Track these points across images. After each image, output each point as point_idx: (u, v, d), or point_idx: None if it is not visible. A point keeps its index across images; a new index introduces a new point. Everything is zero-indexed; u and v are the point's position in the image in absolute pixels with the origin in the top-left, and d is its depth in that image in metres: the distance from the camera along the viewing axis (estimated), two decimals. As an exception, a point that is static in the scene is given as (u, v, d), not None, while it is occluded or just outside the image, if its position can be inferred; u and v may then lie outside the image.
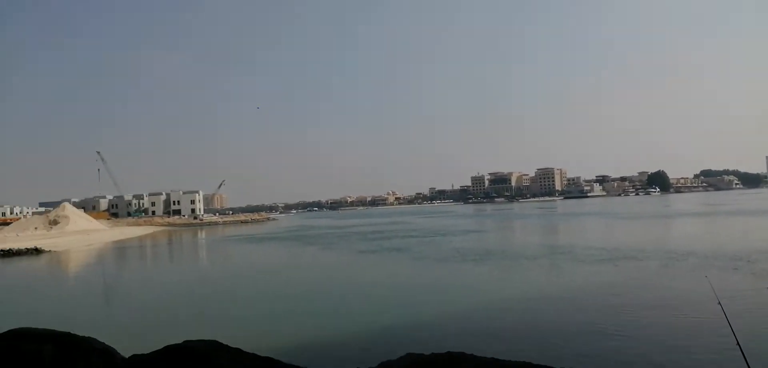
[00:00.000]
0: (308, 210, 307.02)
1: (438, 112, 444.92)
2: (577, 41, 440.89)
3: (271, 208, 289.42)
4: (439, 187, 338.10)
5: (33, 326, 6.40)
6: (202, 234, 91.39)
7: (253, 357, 5.76)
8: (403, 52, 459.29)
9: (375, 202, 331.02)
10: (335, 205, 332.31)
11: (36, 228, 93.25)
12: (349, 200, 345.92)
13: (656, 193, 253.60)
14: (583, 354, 12.09)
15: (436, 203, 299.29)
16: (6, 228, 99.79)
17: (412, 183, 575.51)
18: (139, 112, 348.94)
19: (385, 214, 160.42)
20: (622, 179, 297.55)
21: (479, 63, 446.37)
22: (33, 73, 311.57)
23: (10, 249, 52.14)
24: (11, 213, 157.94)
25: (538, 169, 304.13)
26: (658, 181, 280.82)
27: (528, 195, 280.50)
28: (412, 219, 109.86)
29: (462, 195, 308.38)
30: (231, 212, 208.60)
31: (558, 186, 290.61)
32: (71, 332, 6.23)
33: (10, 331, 6.02)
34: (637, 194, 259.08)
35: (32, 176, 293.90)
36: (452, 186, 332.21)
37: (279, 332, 15.06)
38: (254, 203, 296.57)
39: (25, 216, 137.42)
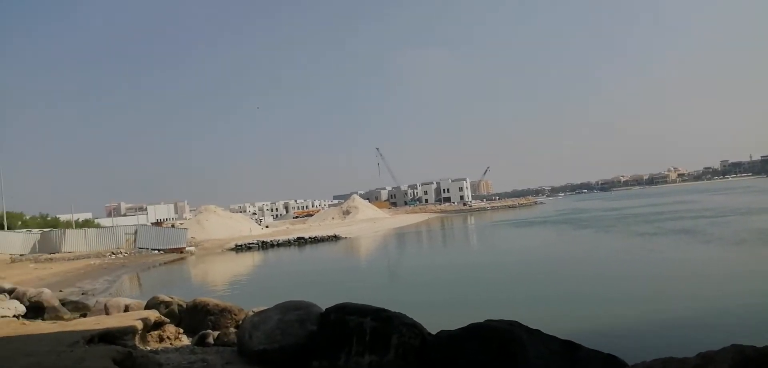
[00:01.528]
0: (577, 193, 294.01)
1: (723, 69, 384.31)
2: None
3: (536, 192, 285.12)
4: (732, 159, 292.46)
5: (349, 301, 7.34)
6: (471, 220, 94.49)
7: (553, 339, 5.71)
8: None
9: (653, 181, 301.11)
10: (607, 186, 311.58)
11: (333, 218, 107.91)
12: (623, 179, 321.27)
13: None
14: None
15: (730, 178, 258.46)
16: (310, 219, 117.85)
17: (698, 156, 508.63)
18: (406, 106, 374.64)
19: (665, 194, 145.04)
20: None
21: None
22: (317, 77, 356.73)
23: (315, 237, 61.16)
24: (312, 205, 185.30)
25: None
26: None
27: None
28: (699, 197, 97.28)
29: (764, 167, 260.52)
30: (497, 197, 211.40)
31: None
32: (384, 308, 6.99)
33: (338, 305, 7.00)
34: None
35: (326, 172, 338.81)
36: (750, 156, 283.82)
37: (575, 315, 14.70)
38: (519, 188, 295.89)
39: (322, 208, 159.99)
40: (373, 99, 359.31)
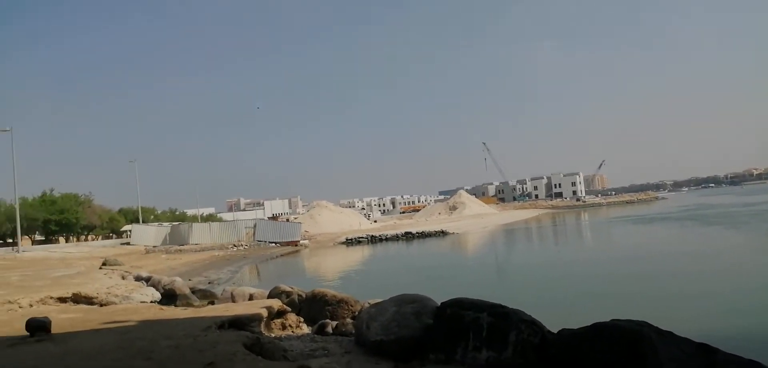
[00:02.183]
0: (702, 187, 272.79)
1: None
2: None
3: (657, 187, 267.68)
4: None
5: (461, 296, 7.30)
6: (585, 216, 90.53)
7: (687, 342, 5.36)
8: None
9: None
10: (737, 180, 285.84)
11: (439, 213, 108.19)
12: (756, 172, 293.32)
13: None
14: None
15: None
16: (416, 214, 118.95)
17: None
18: (516, 99, 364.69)
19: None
20: None
21: None
22: (425, 73, 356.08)
23: (423, 232, 61.52)
24: (418, 201, 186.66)
25: None
26: None
27: None
28: None
29: None
30: (613, 193, 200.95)
31: None
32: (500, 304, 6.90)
33: (453, 300, 7.01)
34: None
35: (432, 167, 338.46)
36: None
37: (708, 317, 13.64)
38: (638, 182, 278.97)
39: (429, 203, 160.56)
40: (481, 93, 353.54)
